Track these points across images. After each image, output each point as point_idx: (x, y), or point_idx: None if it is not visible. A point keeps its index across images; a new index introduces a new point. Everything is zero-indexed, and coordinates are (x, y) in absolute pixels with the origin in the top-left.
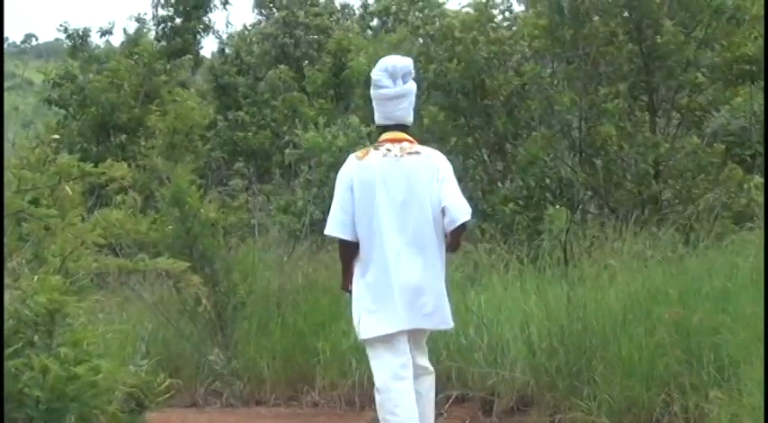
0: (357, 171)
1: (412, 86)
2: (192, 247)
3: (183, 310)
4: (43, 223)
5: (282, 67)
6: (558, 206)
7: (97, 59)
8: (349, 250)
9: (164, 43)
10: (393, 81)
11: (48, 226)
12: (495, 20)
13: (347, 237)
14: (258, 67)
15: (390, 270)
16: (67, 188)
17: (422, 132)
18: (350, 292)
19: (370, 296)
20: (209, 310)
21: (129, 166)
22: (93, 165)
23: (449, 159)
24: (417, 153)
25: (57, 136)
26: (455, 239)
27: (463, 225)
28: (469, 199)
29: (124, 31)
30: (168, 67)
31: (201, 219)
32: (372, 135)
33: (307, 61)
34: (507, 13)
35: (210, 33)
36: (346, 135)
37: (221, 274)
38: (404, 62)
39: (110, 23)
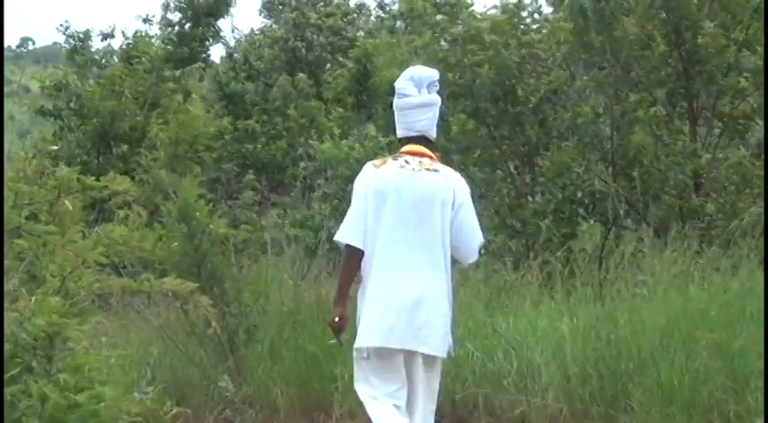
0: (372, 179)
1: (437, 98)
2: (200, 266)
3: (190, 334)
4: (41, 240)
5: (301, 75)
6: (591, 221)
7: (96, 63)
8: (355, 261)
9: (170, 48)
10: (418, 90)
11: (46, 243)
12: (525, 22)
13: (358, 244)
14: (268, 73)
15: (393, 281)
16: (67, 203)
17: (448, 142)
18: (338, 332)
19: (371, 304)
20: (219, 333)
21: (133, 179)
22: (94, 178)
23: (473, 174)
24: (436, 171)
25: (55, 147)
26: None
27: (473, 252)
28: (496, 213)
29: (123, 33)
30: (177, 74)
31: (210, 235)
32: (393, 146)
33: (322, 66)
34: (537, 15)
35: (218, 40)
36: (363, 146)
37: (232, 295)
38: (429, 72)
39: (110, 27)
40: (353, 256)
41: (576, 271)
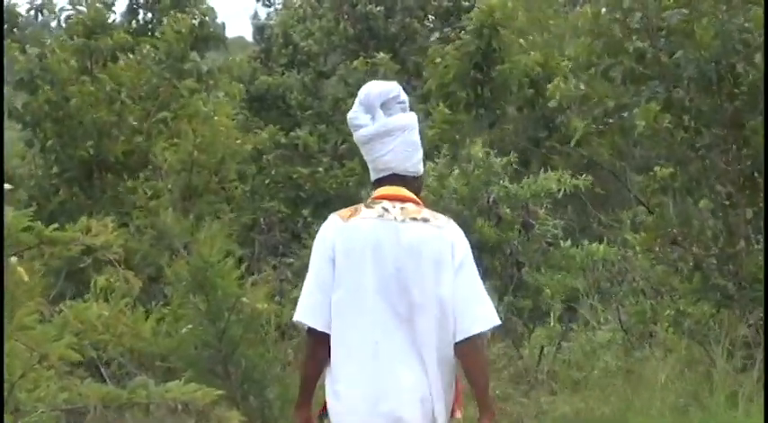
0: (340, 235)
1: (402, 120)
2: (226, 363)
3: None
4: None
5: (381, 55)
6: None
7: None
8: (319, 349)
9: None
10: (371, 116)
11: None
12: None
13: (319, 326)
14: (322, 57)
15: (368, 381)
16: (19, 269)
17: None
18: None
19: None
20: None
21: (123, 225)
22: (57, 225)
23: (666, 204)
24: (426, 220)
25: (9, 186)
26: (473, 361)
27: (478, 336)
28: (695, 268)
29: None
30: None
31: (243, 314)
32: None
33: (409, 42)
34: None
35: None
36: (464, 174)
37: (277, 408)
38: (381, 88)
39: None
40: (318, 344)
41: None
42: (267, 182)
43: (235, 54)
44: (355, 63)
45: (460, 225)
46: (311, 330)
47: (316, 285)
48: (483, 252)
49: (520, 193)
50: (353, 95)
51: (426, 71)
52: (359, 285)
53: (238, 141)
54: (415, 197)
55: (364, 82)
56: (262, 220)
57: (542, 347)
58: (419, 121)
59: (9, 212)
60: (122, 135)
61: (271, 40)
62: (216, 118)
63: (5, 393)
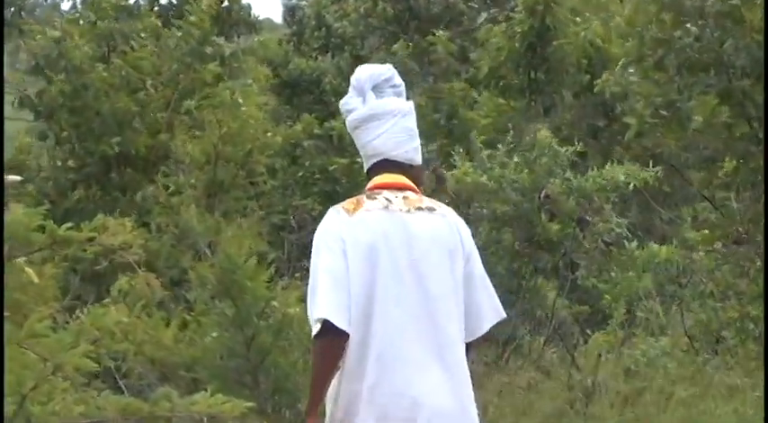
0: (348, 230)
1: (393, 103)
2: (256, 372)
3: None
4: None
5: (441, 33)
6: None
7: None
8: (338, 350)
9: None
10: (362, 98)
11: None
12: None
13: (344, 324)
14: (359, 40)
15: (398, 381)
16: (28, 270)
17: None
18: None
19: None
20: None
21: (143, 224)
22: (72, 224)
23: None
24: (431, 209)
25: (17, 178)
26: (474, 352)
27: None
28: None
29: None
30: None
31: (273, 319)
32: (585, 159)
33: (452, 23)
34: None
35: None
36: (526, 162)
37: None
38: (372, 70)
39: None
40: (335, 343)
41: None
42: (301, 174)
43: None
44: (395, 46)
45: (519, 218)
46: (333, 329)
47: (333, 281)
48: (539, 250)
49: (584, 186)
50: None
51: (475, 54)
52: (373, 281)
53: (269, 134)
54: (412, 185)
55: (406, 67)
56: (293, 217)
57: (599, 354)
58: (468, 107)
59: (19, 210)
60: (144, 127)
61: (302, 23)
62: (243, 108)
63: (16, 407)
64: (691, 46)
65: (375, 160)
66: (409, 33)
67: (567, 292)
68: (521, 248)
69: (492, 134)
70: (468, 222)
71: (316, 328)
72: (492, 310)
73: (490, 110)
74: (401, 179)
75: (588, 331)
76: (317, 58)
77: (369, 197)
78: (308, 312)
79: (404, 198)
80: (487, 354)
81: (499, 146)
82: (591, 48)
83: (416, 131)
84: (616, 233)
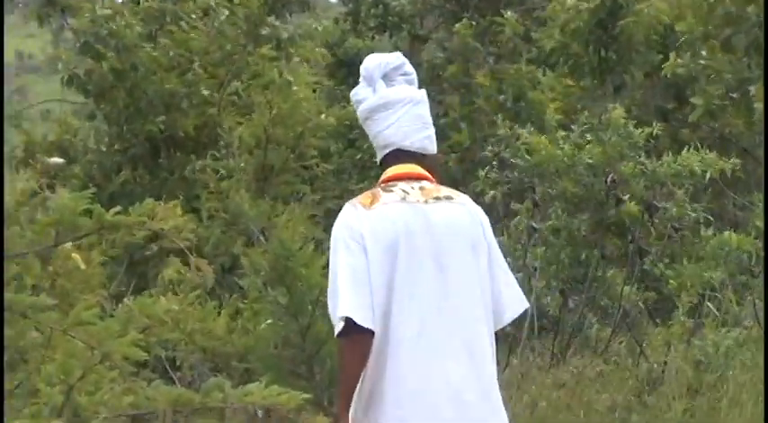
0: (367, 224)
1: (404, 91)
2: (311, 362)
3: None
4: (32, 323)
5: (509, 15)
6: None
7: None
8: (365, 348)
9: None
10: (372, 88)
11: (40, 328)
12: None
13: (368, 322)
14: (418, 19)
15: (418, 376)
16: (75, 256)
17: None
18: None
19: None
20: None
21: (193, 210)
22: (120, 208)
23: None
24: (450, 199)
25: (59, 160)
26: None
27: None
28: None
29: None
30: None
31: None
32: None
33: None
34: None
35: None
36: (600, 140)
37: None
38: (381, 59)
39: None
40: (361, 341)
41: None
42: (359, 157)
43: (316, 17)
44: (457, 25)
45: (591, 199)
46: (356, 327)
47: (354, 279)
48: (608, 234)
49: (659, 172)
50: (452, 62)
51: (537, 33)
52: (392, 276)
53: (322, 116)
54: (428, 174)
55: (468, 46)
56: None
57: (669, 345)
58: (533, 88)
59: (65, 193)
60: (193, 108)
61: (359, 0)
62: (295, 88)
63: (64, 397)
64: (759, 24)
65: (388, 150)
66: (469, 11)
67: (636, 280)
68: (588, 234)
69: (561, 115)
70: (535, 204)
71: (339, 327)
72: (516, 301)
73: (558, 92)
74: (416, 169)
75: (657, 321)
76: (373, 37)
77: (384, 190)
78: (330, 311)
79: (420, 188)
80: (553, 344)
81: (573, 126)
82: (660, 26)
83: (430, 120)
84: (691, 218)
